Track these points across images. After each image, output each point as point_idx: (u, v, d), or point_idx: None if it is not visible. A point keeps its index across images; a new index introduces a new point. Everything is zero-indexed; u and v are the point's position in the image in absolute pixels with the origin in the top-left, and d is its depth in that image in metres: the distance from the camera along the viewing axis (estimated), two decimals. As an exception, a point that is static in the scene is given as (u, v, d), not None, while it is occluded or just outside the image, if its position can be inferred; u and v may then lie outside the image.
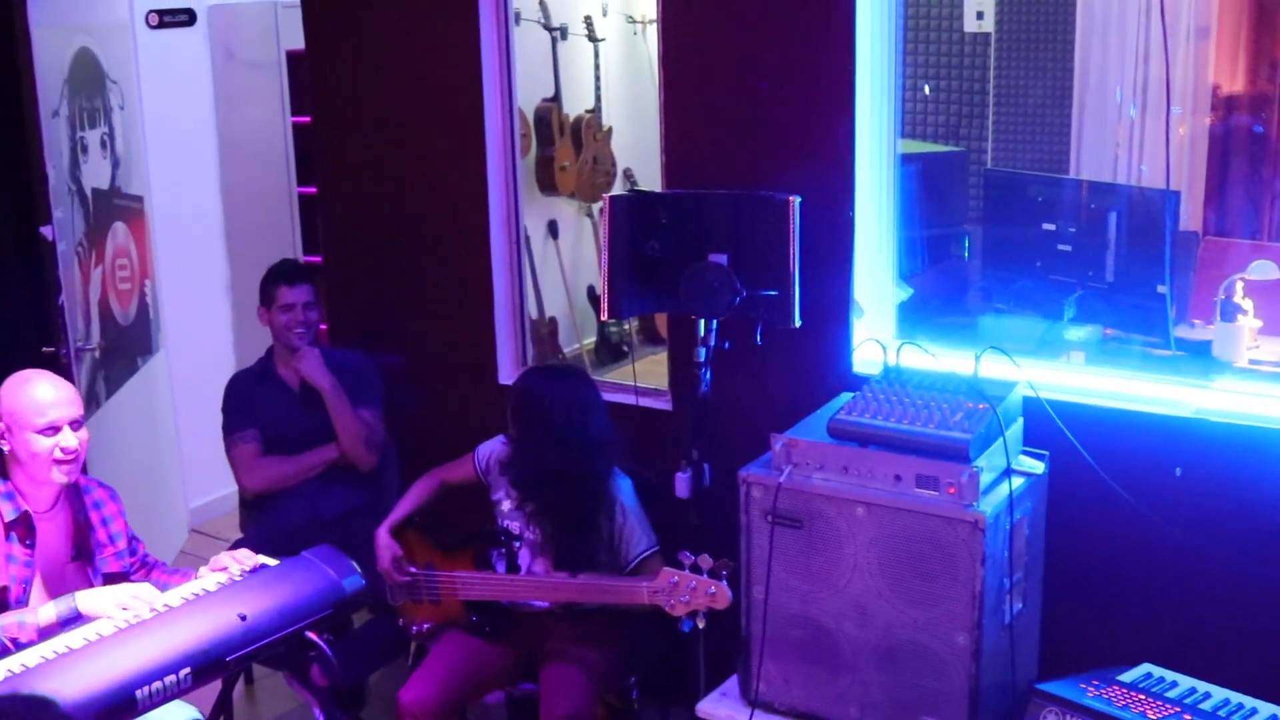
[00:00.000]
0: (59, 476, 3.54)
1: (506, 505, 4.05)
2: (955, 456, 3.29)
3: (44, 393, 3.52)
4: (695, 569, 3.51)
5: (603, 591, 3.78)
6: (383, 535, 4.11)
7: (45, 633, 3.36)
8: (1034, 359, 3.95)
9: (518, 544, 4.01)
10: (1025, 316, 4.42)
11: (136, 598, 3.37)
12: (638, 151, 7.12)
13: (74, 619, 3.39)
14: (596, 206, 6.81)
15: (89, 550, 3.68)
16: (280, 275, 4.65)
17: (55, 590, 3.56)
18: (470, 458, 4.15)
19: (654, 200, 3.96)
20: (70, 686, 3.00)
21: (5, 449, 3.55)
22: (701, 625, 3.55)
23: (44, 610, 3.40)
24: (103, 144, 5.28)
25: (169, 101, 6.11)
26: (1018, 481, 3.42)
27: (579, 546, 3.92)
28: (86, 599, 3.40)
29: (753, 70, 4.05)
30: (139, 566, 3.78)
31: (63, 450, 3.51)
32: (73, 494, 3.68)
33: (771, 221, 3.75)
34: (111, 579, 3.65)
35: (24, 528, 3.55)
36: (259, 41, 6.52)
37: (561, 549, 3.94)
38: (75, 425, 3.54)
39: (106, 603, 3.37)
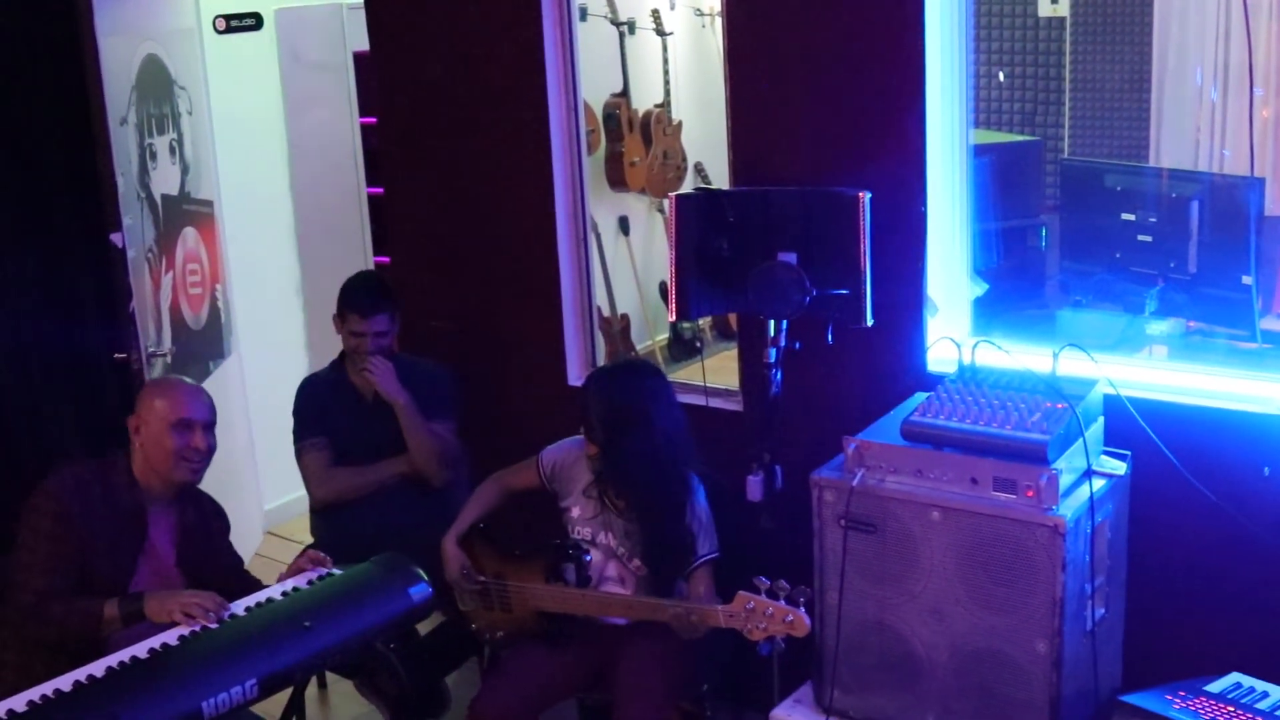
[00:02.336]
0: (182, 473, 3.61)
1: (577, 512, 3.99)
2: (1033, 458, 3.20)
3: (181, 392, 3.64)
4: (772, 594, 3.43)
5: (676, 614, 3.70)
6: (449, 545, 4.06)
7: (108, 624, 3.38)
8: (1114, 355, 3.84)
9: (588, 556, 3.94)
10: (1105, 311, 4.31)
11: (199, 604, 3.35)
12: (708, 145, 7.05)
13: (138, 619, 3.38)
14: (667, 202, 6.75)
15: (193, 556, 3.71)
16: (354, 303, 4.53)
17: (157, 588, 3.57)
18: (534, 464, 4.08)
19: (721, 198, 3.90)
20: (137, 699, 3.00)
21: (137, 444, 3.61)
22: (782, 648, 3.48)
23: (109, 605, 3.41)
24: (171, 150, 5.29)
25: (237, 105, 6.11)
26: (1099, 483, 3.33)
27: (674, 543, 3.84)
28: (153, 600, 3.40)
29: (820, 62, 3.96)
30: (236, 584, 3.76)
31: (192, 449, 3.58)
32: (188, 500, 3.74)
33: (841, 218, 3.69)
34: (214, 585, 3.63)
35: (137, 521, 3.59)
36: (326, 43, 6.51)
37: (656, 547, 3.86)
38: (207, 429, 3.63)
39: (170, 605, 3.36)
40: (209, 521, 3.81)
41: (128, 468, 3.61)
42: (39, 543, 3.47)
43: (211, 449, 3.67)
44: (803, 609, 3.40)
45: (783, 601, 3.40)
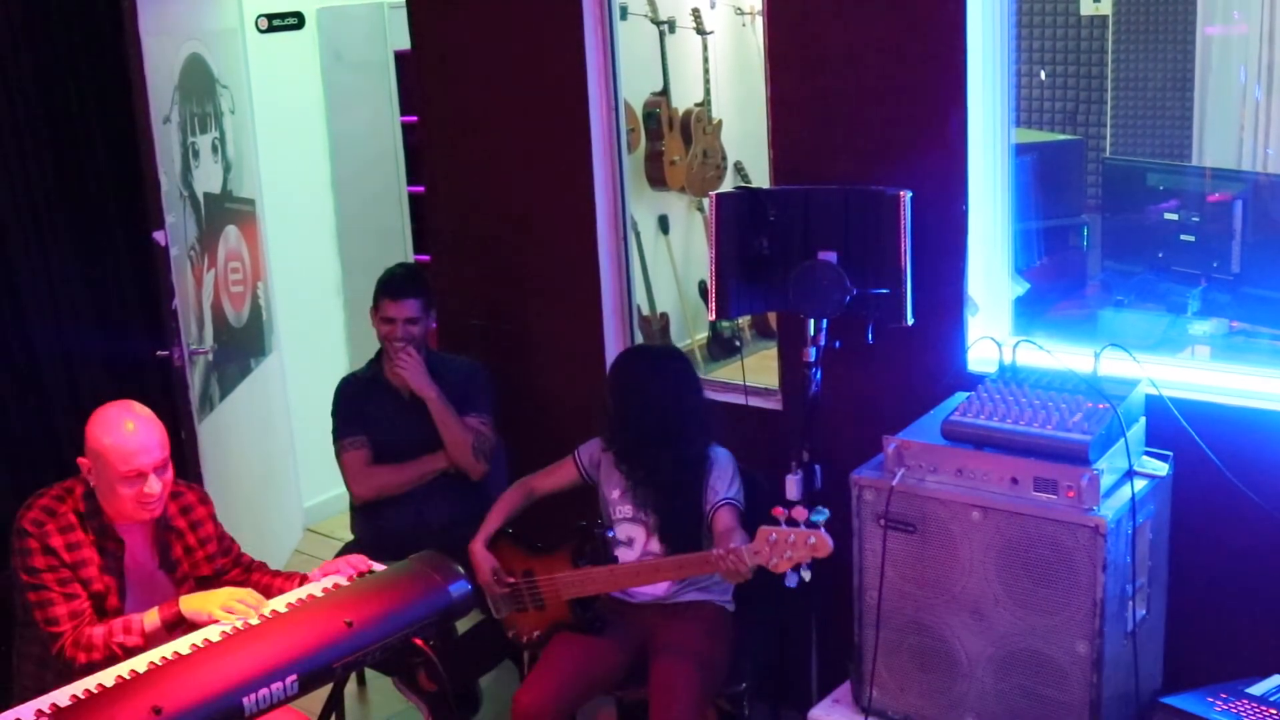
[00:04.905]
0: (143, 516, 3.54)
1: (616, 494, 4.06)
2: (1075, 458, 3.19)
3: (131, 439, 3.46)
4: (791, 522, 3.46)
5: (704, 563, 3.72)
6: (477, 548, 4.11)
7: (152, 637, 3.39)
8: (1156, 355, 3.81)
9: (610, 531, 4.00)
10: (1147, 310, 4.29)
11: (240, 600, 3.38)
12: (748, 144, 7.03)
13: (178, 622, 3.40)
14: (707, 201, 6.75)
15: (177, 557, 3.68)
16: (386, 287, 4.59)
17: (147, 597, 3.56)
18: (570, 460, 4.16)
19: (762, 197, 3.90)
20: (178, 694, 3.00)
21: (91, 482, 3.52)
22: (807, 578, 3.48)
23: (149, 615, 3.43)
24: (214, 148, 5.32)
25: (279, 104, 6.15)
26: (1140, 484, 3.31)
27: (682, 510, 3.93)
28: (189, 602, 3.42)
29: (861, 61, 3.95)
30: (233, 567, 3.78)
31: (148, 495, 3.48)
32: None
33: (882, 217, 3.69)
34: (204, 583, 3.66)
35: (110, 539, 3.55)
36: (367, 42, 6.54)
37: (666, 516, 3.96)
38: (160, 469, 3.51)
39: (210, 605, 3.38)
40: (188, 514, 3.72)
41: (88, 493, 3.53)
42: (40, 577, 3.44)
43: (170, 483, 3.56)
44: (823, 530, 3.41)
45: (803, 526, 3.42)
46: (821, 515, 3.44)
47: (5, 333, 4.61)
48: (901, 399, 3.90)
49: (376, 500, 4.59)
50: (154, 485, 3.48)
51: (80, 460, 3.53)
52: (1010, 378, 3.52)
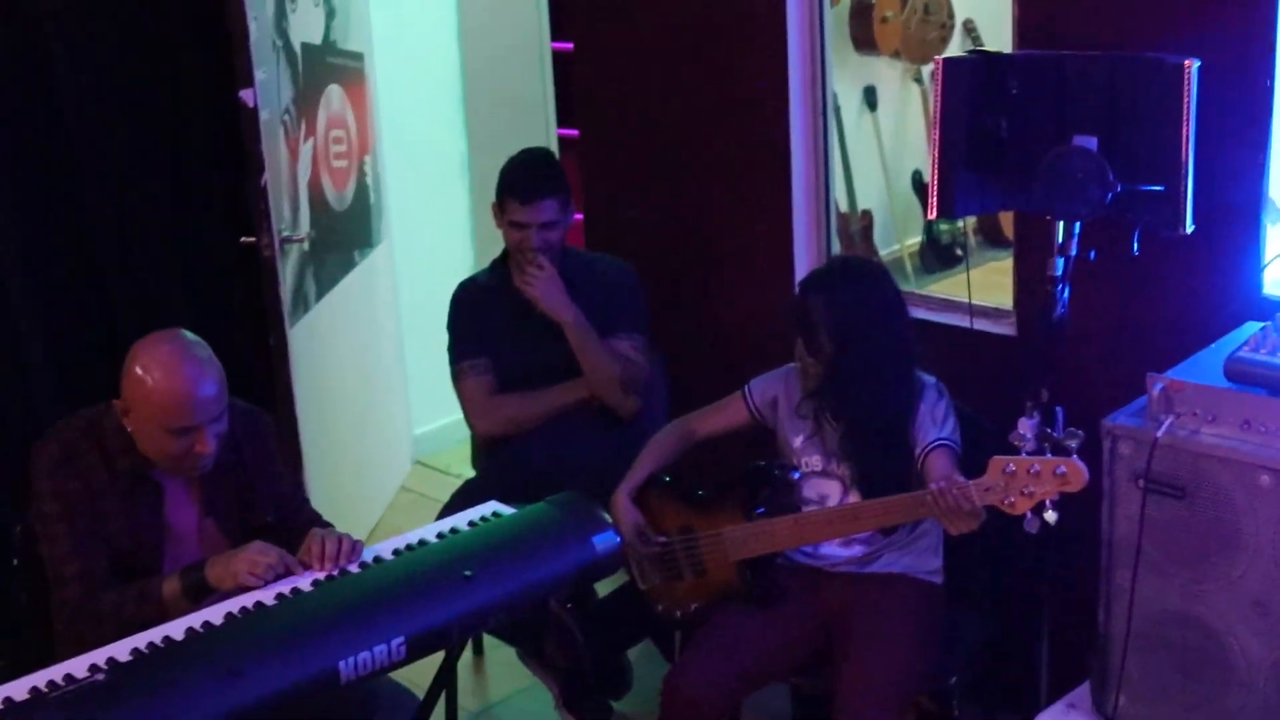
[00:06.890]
0: (189, 472, 3.57)
1: (800, 440, 4.05)
2: (1403, 411, 3.12)
3: (185, 388, 3.42)
4: (1035, 450, 3.45)
5: (918, 505, 3.69)
6: (621, 501, 4.11)
7: (172, 607, 3.41)
8: None
9: (795, 474, 4.00)
10: None
11: (267, 563, 3.39)
12: (982, -3, 6.94)
13: (206, 591, 3.43)
14: (927, 69, 6.66)
15: (224, 498, 3.70)
16: (513, 188, 4.54)
17: (191, 555, 3.60)
18: (740, 397, 4.16)
19: (1002, 64, 3.86)
20: (263, 653, 3.06)
21: (129, 426, 3.51)
22: (1053, 520, 3.44)
23: (169, 580, 3.46)
24: (315, -12, 5.38)
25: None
26: None
27: (886, 457, 3.92)
28: (215, 566, 3.43)
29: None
30: (287, 508, 3.80)
31: (196, 454, 3.48)
32: None
33: (1159, 93, 3.60)
34: (260, 533, 3.63)
35: (144, 479, 3.58)
36: None
37: (866, 465, 3.95)
38: (215, 421, 3.49)
39: (237, 567, 3.39)
40: (240, 449, 3.70)
41: (119, 429, 3.52)
42: (53, 528, 3.50)
43: (222, 435, 3.52)
44: (1076, 457, 3.37)
45: (1049, 453, 3.39)
46: (1075, 438, 3.41)
47: (59, 215, 4.69)
48: (1173, 328, 3.86)
49: (502, 436, 4.63)
50: (206, 444, 3.47)
51: (115, 403, 3.52)
52: (1321, 305, 3.45)
